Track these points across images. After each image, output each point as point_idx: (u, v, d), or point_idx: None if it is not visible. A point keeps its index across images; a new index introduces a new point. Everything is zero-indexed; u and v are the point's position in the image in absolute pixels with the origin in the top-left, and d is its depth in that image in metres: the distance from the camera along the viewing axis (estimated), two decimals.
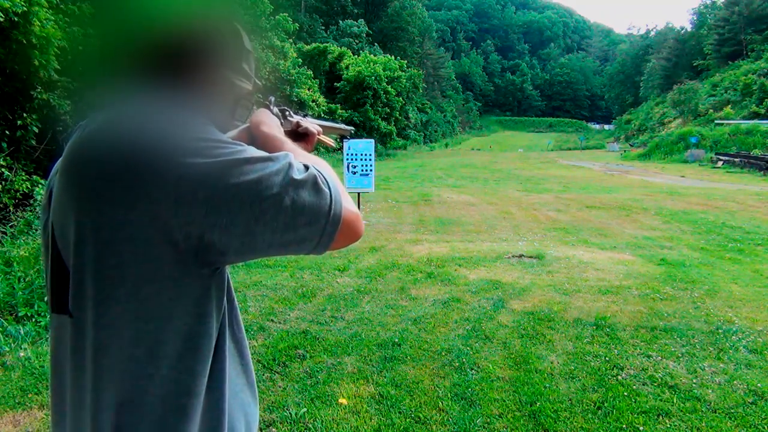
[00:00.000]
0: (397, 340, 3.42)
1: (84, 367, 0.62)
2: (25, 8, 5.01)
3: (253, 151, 0.62)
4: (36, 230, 4.53)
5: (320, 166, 0.68)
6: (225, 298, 0.69)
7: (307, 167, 0.64)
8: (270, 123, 0.86)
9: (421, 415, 2.53)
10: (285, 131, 0.91)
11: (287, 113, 0.96)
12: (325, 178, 0.64)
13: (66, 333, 0.64)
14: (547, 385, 2.84)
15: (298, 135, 0.97)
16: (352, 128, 1.32)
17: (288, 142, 0.81)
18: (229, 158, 0.59)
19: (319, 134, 1.00)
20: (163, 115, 0.62)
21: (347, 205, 0.65)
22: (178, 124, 0.61)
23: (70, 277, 0.62)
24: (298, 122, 0.98)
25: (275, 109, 0.94)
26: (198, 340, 0.64)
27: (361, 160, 7.97)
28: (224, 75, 0.74)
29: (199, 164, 0.57)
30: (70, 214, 0.60)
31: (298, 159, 0.66)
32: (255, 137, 0.83)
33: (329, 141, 1.09)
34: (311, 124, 1.01)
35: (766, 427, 2.44)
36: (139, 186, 0.57)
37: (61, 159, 0.65)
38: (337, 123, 1.27)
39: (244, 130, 0.88)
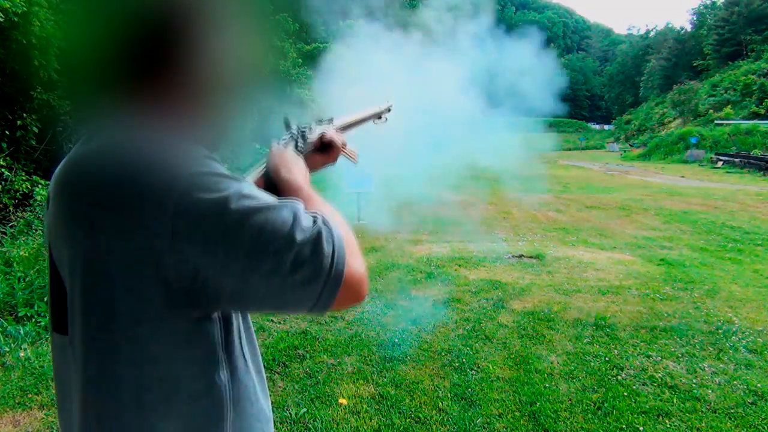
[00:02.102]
0: (397, 340, 3.42)
1: (71, 395, 0.62)
2: (25, 8, 5.01)
3: (260, 198, 0.58)
4: (36, 230, 4.53)
5: (330, 217, 0.63)
6: (221, 346, 0.64)
7: (315, 220, 0.60)
8: (289, 166, 0.81)
9: (421, 415, 2.53)
10: (309, 151, 0.89)
11: (306, 132, 0.92)
12: (331, 235, 0.59)
13: (64, 352, 0.63)
14: (547, 385, 2.84)
15: (323, 146, 0.94)
16: (391, 102, 1.18)
17: (304, 189, 0.76)
18: (234, 203, 0.55)
19: (344, 147, 0.97)
20: (159, 140, 0.59)
21: (353, 264, 0.61)
22: (180, 153, 0.58)
23: (68, 299, 0.60)
24: (322, 135, 0.94)
25: (294, 128, 0.90)
26: (181, 385, 0.61)
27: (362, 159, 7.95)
28: (205, 60, 0.66)
29: (201, 200, 0.55)
30: (66, 239, 0.59)
31: (310, 207, 0.63)
32: (274, 182, 0.79)
33: (352, 156, 1.03)
34: (337, 135, 0.96)
35: (766, 427, 2.45)
36: (137, 216, 0.54)
37: (54, 180, 0.63)
38: (370, 108, 1.16)
39: (262, 173, 0.83)
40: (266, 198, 0.59)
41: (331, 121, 1.01)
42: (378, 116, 1.19)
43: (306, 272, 0.56)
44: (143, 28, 0.62)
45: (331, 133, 0.96)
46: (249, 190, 0.58)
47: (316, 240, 0.58)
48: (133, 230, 0.55)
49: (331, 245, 0.59)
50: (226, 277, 0.56)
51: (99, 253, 0.56)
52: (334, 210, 0.70)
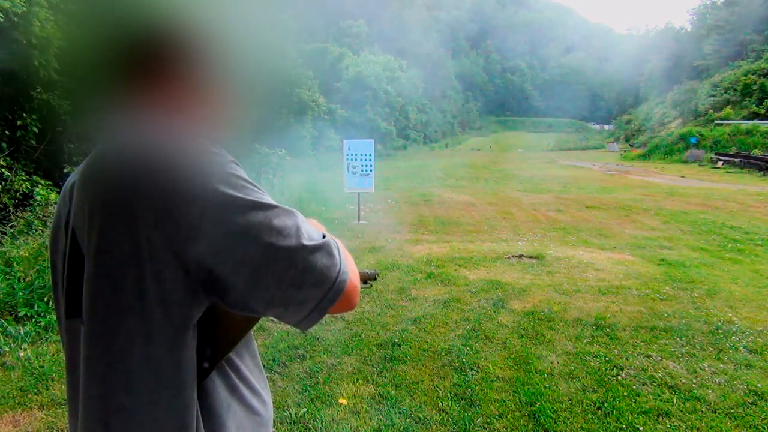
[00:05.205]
0: (397, 340, 3.42)
1: (79, 374, 0.64)
2: (25, 8, 5.02)
3: (280, 207, 0.64)
4: (36, 230, 4.52)
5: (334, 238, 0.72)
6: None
7: (324, 234, 0.67)
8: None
9: (421, 415, 2.53)
10: None
11: None
12: (338, 247, 0.68)
13: (77, 337, 0.64)
14: (547, 385, 2.84)
15: None
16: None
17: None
18: (257, 200, 0.61)
19: None
20: (189, 139, 0.63)
21: (353, 276, 0.68)
22: (210, 156, 0.62)
23: (85, 284, 0.61)
24: None
25: None
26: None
27: (361, 160, 7.97)
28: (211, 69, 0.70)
29: (228, 203, 0.59)
30: (95, 228, 0.60)
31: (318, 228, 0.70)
32: None
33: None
34: None
35: (766, 427, 2.44)
36: (168, 209, 0.58)
37: (82, 175, 0.63)
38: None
39: None
40: (285, 206, 0.65)
41: None
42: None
43: (316, 275, 0.63)
44: (149, 29, 0.65)
45: None
46: (269, 200, 0.63)
47: (327, 248, 0.65)
48: (165, 222, 0.58)
49: (338, 254, 0.66)
50: (240, 273, 0.60)
51: (131, 241, 0.58)
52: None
